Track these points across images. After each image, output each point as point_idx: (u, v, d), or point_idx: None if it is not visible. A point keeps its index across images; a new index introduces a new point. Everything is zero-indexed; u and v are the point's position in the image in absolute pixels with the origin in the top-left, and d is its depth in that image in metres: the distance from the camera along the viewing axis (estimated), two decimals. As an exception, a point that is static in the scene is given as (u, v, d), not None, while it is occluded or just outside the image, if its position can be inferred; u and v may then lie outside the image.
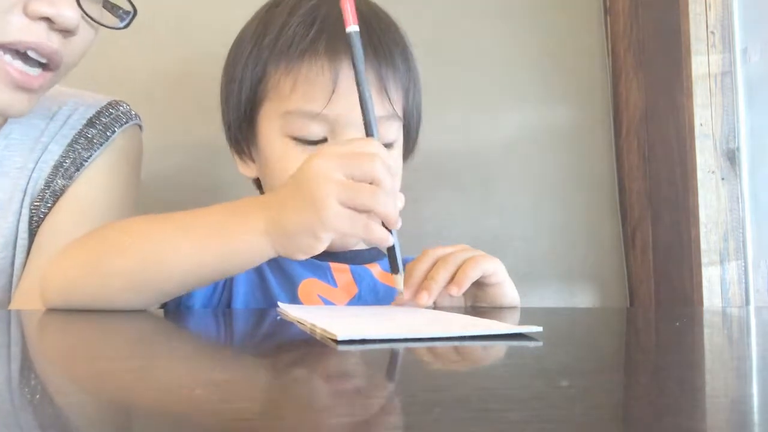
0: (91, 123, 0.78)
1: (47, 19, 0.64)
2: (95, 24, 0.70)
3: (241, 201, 0.60)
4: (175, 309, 0.65)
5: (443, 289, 0.61)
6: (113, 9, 0.73)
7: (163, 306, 0.62)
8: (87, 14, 0.68)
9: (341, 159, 0.54)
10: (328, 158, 0.54)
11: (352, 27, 0.59)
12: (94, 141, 0.77)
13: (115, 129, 0.79)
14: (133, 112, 0.82)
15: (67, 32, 0.66)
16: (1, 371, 0.33)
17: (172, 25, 1.05)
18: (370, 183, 0.54)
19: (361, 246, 0.75)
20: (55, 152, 0.76)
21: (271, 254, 0.57)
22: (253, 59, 0.70)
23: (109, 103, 0.80)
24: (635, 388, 0.29)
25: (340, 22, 0.66)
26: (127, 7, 0.73)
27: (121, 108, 0.81)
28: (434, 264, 0.62)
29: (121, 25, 0.73)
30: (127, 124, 0.80)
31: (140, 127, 0.84)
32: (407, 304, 0.61)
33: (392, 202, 0.55)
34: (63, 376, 0.33)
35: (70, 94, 0.80)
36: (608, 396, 0.27)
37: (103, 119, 0.79)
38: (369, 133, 0.59)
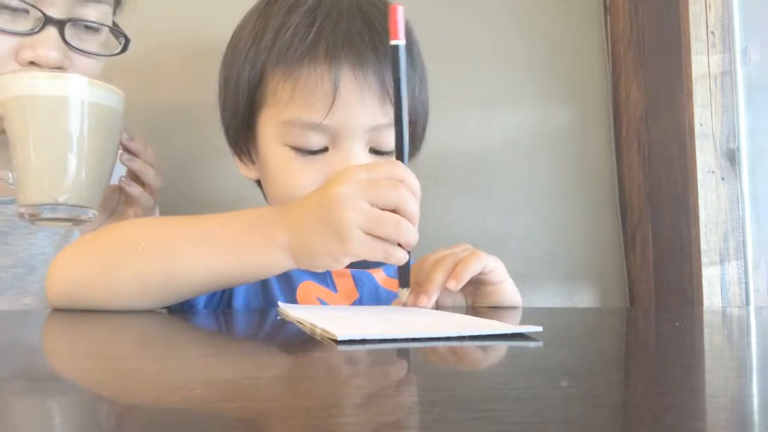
0: None
1: (34, 62, 0.69)
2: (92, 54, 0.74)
3: (262, 211, 0.59)
4: (179, 309, 0.64)
5: (444, 287, 0.61)
6: (118, 35, 0.78)
7: (167, 306, 0.62)
8: (75, 48, 0.72)
9: (366, 185, 0.53)
10: (352, 184, 0.53)
11: (399, 41, 0.57)
12: None
13: None
14: None
15: (59, 68, 0.70)
16: (5, 371, 0.33)
17: (173, 21, 1.05)
18: (395, 208, 0.53)
19: None
20: None
21: (292, 267, 0.57)
22: (250, 60, 0.67)
23: None
24: (635, 388, 0.29)
25: (340, 23, 0.65)
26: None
27: None
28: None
29: (116, 51, 0.78)
30: None
31: None
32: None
33: (414, 229, 0.54)
34: (64, 375, 0.33)
35: None
36: (608, 396, 0.27)
37: None
38: (399, 156, 0.57)
